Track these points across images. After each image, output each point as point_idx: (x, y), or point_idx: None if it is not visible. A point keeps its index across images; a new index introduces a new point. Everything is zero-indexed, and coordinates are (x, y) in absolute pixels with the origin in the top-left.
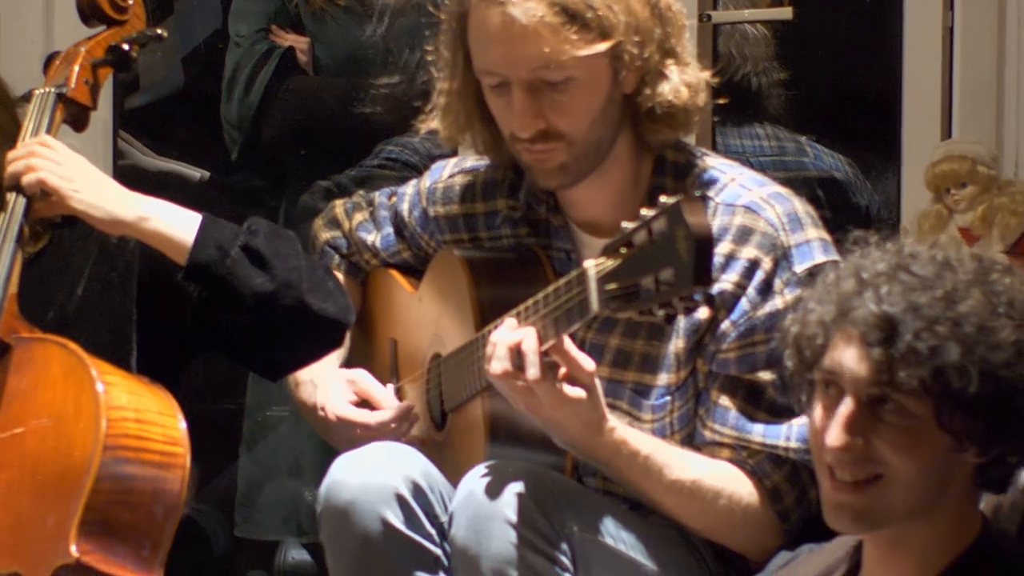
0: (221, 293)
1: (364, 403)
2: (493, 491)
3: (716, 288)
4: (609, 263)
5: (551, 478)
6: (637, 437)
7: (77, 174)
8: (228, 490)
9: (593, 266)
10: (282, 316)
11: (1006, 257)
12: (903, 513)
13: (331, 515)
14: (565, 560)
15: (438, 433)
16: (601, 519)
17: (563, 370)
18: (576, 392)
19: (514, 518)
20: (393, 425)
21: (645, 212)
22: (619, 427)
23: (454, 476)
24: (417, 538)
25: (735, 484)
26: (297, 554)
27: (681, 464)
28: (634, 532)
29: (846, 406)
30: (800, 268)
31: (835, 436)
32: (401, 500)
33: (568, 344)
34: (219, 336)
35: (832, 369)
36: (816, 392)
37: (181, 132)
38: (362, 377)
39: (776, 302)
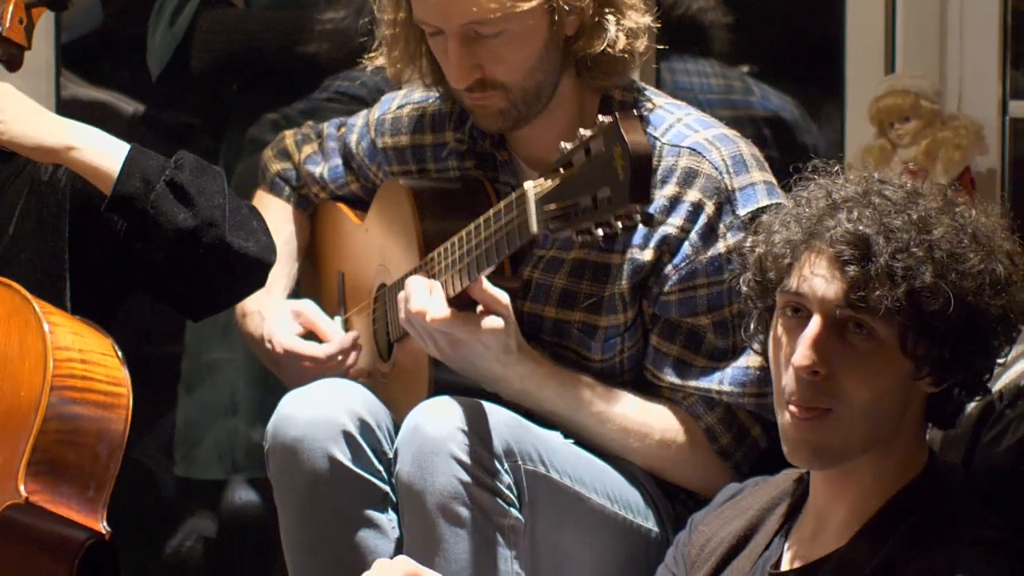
0: (144, 227)
1: (311, 335)
2: (438, 426)
3: (661, 232)
4: (548, 184)
5: (496, 412)
6: (560, 369)
7: (5, 104)
8: (172, 433)
9: (532, 187)
10: (203, 253)
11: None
12: (860, 446)
13: (279, 452)
14: (510, 494)
15: (384, 364)
16: (546, 453)
17: (480, 308)
18: (493, 322)
19: (459, 453)
20: (340, 357)
21: (583, 132)
22: (539, 360)
23: (399, 407)
24: (365, 475)
25: (669, 420)
26: (244, 494)
27: (611, 397)
28: (579, 466)
29: (813, 326)
30: (744, 212)
31: (801, 355)
32: (349, 437)
33: (485, 283)
34: (141, 272)
35: (799, 290)
36: (776, 318)
37: (108, 68)
38: (308, 308)
39: (719, 246)
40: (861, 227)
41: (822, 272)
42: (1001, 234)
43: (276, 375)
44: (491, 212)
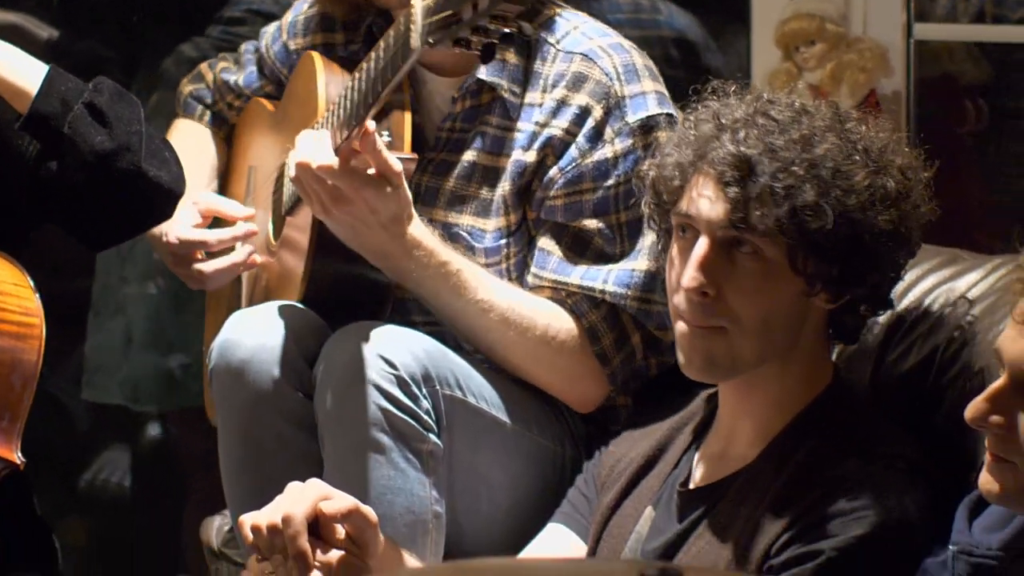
0: (59, 148)
1: (215, 225)
2: (354, 354)
3: (546, 134)
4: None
5: (413, 338)
6: (447, 252)
7: None
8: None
9: (419, 2)
10: (117, 178)
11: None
12: (752, 360)
13: (223, 374)
14: (429, 419)
15: (274, 243)
16: (463, 378)
17: (372, 171)
18: (383, 186)
19: (377, 379)
20: (237, 245)
21: None
22: (428, 238)
23: (282, 287)
24: (306, 399)
25: (552, 317)
26: (156, 429)
27: (495, 287)
28: (496, 390)
29: (700, 247)
30: (633, 118)
31: (689, 276)
32: (293, 360)
33: (378, 142)
34: (51, 197)
35: (688, 211)
36: (672, 238)
37: None
38: (206, 196)
39: (606, 151)
40: (744, 148)
41: (708, 193)
42: (894, 148)
43: (176, 273)
44: (380, 43)
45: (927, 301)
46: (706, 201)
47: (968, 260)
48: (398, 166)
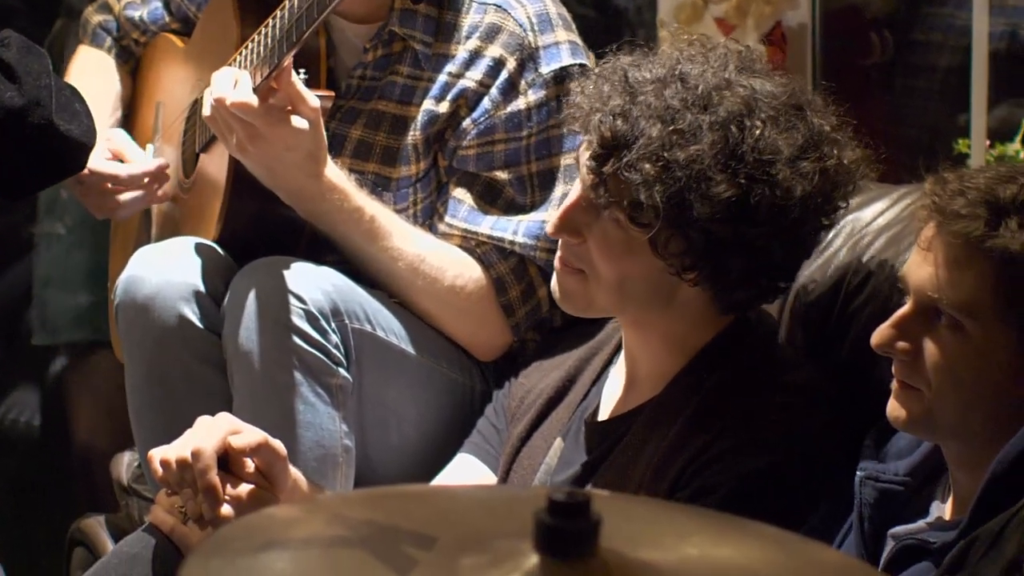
0: None
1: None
2: (262, 289)
3: (460, 85)
4: None
5: (321, 273)
6: (362, 196)
7: None
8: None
9: None
10: (29, 134)
11: (762, 47)
12: (608, 308)
13: (129, 310)
14: (338, 353)
15: (186, 180)
16: (372, 312)
17: (288, 108)
18: (299, 122)
19: (285, 313)
20: (146, 180)
21: None
22: (344, 181)
23: (195, 222)
24: (213, 336)
25: (461, 267)
26: (61, 362)
27: (408, 235)
28: (404, 324)
29: (569, 198)
30: (547, 70)
31: (551, 222)
32: (199, 296)
33: (296, 79)
34: None
35: (578, 161)
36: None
37: None
38: (117, 135)
39: (519, 103)
40: (618, 123)
41: (584, 157)
42: (795, 155)
43: (84, 202)
44: None
45: (835, 231)
46: (583, 157)
47: (874, 190)
48: (316, 102)
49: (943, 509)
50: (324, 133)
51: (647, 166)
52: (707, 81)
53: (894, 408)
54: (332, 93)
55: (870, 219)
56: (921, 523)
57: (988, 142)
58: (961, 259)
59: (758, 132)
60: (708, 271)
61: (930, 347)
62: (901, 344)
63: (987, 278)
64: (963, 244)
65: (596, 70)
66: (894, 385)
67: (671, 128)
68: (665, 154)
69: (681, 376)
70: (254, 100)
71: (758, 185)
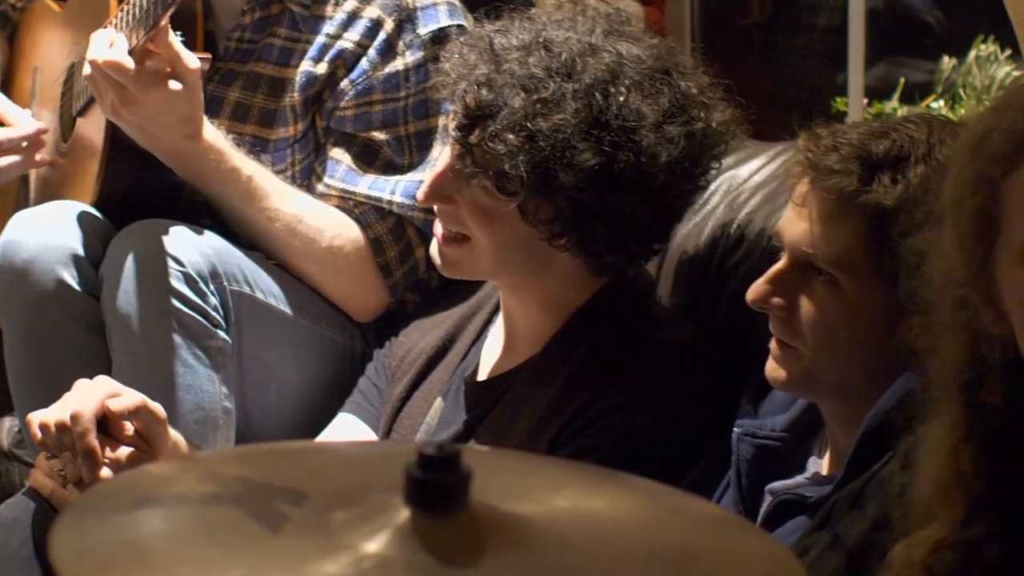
0: None
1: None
2: (141, 252)
3: (338, 46)
4: None
5: (199, 235)
6: (240, 158)
7: None
8: None
9: None
10: None
11: (639, 7)
12: (488, 271)
13: (7, 274)
14: (216, 315)
15: (64, 144)
16: (251, 274)
17: (168, 70)
18: (174, 85)
19: (163, 275)
20: (24, 144)
21: None
22: (221, 142)
23: (73, 188)
24: (91, 299)
25: (339, 228)
26: None
27: (285, 195)
28: (285, 286)
29: (438, 165)
30: (424, 31)
31: (422, 188)
32: (77, 260)
33: (174, 39)
34: None
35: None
36: None
37: None
38: None
39: (397, 64)
40: (483, 92)
41: (450, 128)
42: (658, 123)
43: None
44: None
45: (711, 188)
46: (452, 126)
47: (751, 148)
48: (194, 64)
49: (820, 464)
50: (201, 95)
51: (511, 136)
52: (571, 48)
53: (773, 369)
54: (209, 55)
55: (746, 176)
56: (798, 478)
57: (866, 101)
58: (835, 214)
59: (622, 99)
60: (577, 238)
61: (805, 303)
62: (776, 300)
63: (860, 233)
64: (836, 199)
65: (463, 37)
66: (772, 345)
67: (534, 97)
68: (528, 124)
69: (559, 336)
70: (128, 61)
71: (623, 152)
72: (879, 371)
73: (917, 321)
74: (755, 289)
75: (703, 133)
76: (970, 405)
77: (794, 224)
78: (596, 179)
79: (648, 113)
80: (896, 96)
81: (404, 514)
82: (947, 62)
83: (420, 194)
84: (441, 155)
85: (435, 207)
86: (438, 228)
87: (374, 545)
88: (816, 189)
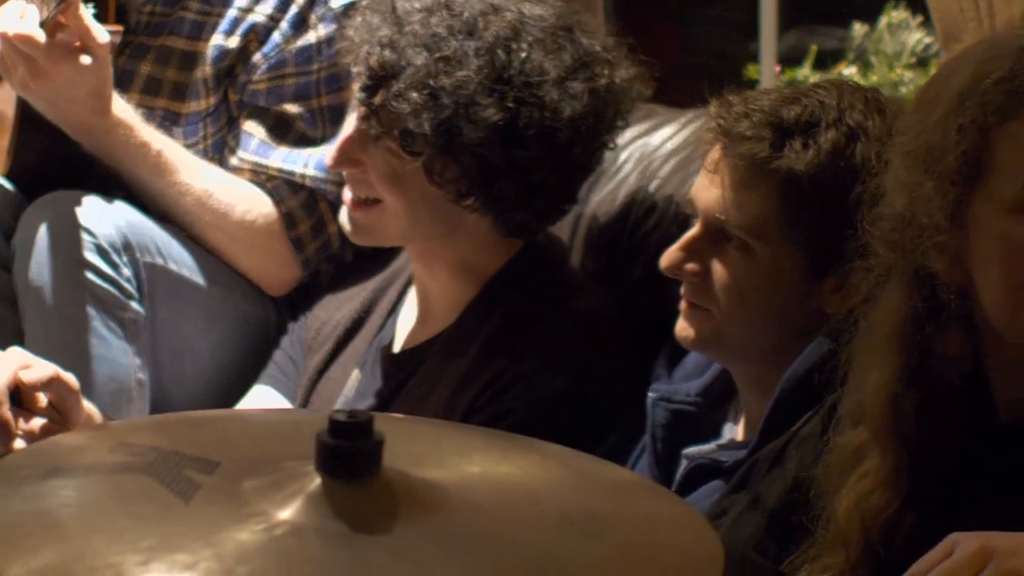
0: None
1: None
2: (53, 223)
3: (250, 20)
4: None
5: (112, 207)
6: (150, 132)
7: None
8: None
9: None
10: None
11: None
12: (398, 236)
13: None
14: (130, 287)
15: None
16: (164, 245)
17: (78, 43)
18: (84, 59)
19: (76, 248)
20: None
21: None
22: (131, 116)
23: None
24: (3, 271)
25: (251, 202)
26: None
27: (196, 170)
28: (199, 258)
29: (345, 130)
30: (336, 3)
31: (330, 153)
32: None
33: (85, 12)
34: None
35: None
36: None
37: None
38: None
39: (309, 37)
40: (386, 53)
41: (355, 90)
42: (563, 76)
43: None
44: None
45: (623, 156)
46: (356, 90)
47: (663, 114)
48: (104, 37)
49: (735, 430)
50: (110, 69)
51: (414, 95)
52: (473, 7)
53: (683, 328)
54: (121, 28)
55: (658, 144)
56: (713, 443)
57: (779, 68)
58: (747, 180)
59: (524, 55)
60: (484, 196)
61: (718, 269)
62: (690, 266)
63: (772, 199)
64: (748, 165)
65: (366, 2)
66: (683, 305)
67: (437, 56)
68: (432, 82)
69: (473, 305)
70: (38, 34)
71: (526, 108)
72: (790, 337)
73: (859, 265)
74: (668, 256)
75: (607, 89)
76: (922, 355)
77: (706, 191)
78: (501, 135)
79: (551, 69)
80: (808, 63)
81: (316, 481)
82: (858, 29)
83: (328, 160)
84: (348, 120)
85: (344, 172)
86: (347, 194)
87: (286, 512)
88: (728, 156)
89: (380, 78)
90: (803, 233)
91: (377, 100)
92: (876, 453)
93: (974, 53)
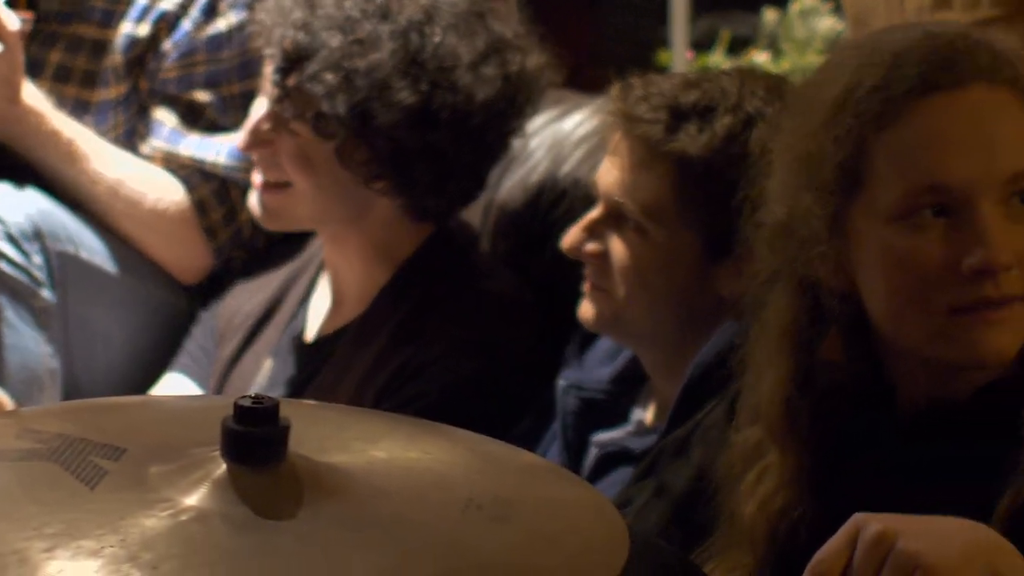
0: None
1: None
2: None
3: (160, 8)
4: None
5: (24, 195)
6: (61, 119)
7: None
8: None
9: None
10: None
11: None
12: (308, 219)
13: None
14: (41, 275)
15: None
16: (76, 233)
17: None
18: None
19: None
20: None
21: None
22: (41, 104)
23: None
24: None
25: (162, 190)
26: None
27: (107, 158)
28: (111, 245)
29: (256, 112)
30: None
31: (241, 135)
32: None
33: None
34: None
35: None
36: None
37: None
38: None
39: (219, 24)
40: (300, 36)
41: (268, 72)
42: (475, 62)
43: None
44: None
45: (535, 142)
46: (266, 76)
47: (575, 100)
48: (15, 24)
49: (644, 416)
50: (21, 57)
51: (329, 76)
52: None
53: (585, 309)
54: (32, 15)
55: (570, 129)
56: (622, 430)
57: (691, 54)
58: (643, 162)
59: (438, 39)
60: (395, 179)
61: (617, 250)
62: (590, 247)
63: (667, 182)
64: (644, 147)
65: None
66: (585, 287)
67: (351, 38)
68: (346, 64)
69: (385, 291)
70: None
71: (439, 91)
72: (694, 320)
73: (748, 269)
74: (570, 236)
75: (518, 75)
76: (812, 357)
77: (608, 173)
78: (414, 118)
79: (464, 54)
80: (720, 49)
81: (222, 467)
82: (770, 15)
83: (240, 142)
84: (258, 103)
85: (253, 156)
86: (257, 178)
87: (192, 498)
88: (626, 138)
89: (294, 60)
90: (698, 217)
91: (291, 82)
92: (775, 452)
93: (850, 56)
